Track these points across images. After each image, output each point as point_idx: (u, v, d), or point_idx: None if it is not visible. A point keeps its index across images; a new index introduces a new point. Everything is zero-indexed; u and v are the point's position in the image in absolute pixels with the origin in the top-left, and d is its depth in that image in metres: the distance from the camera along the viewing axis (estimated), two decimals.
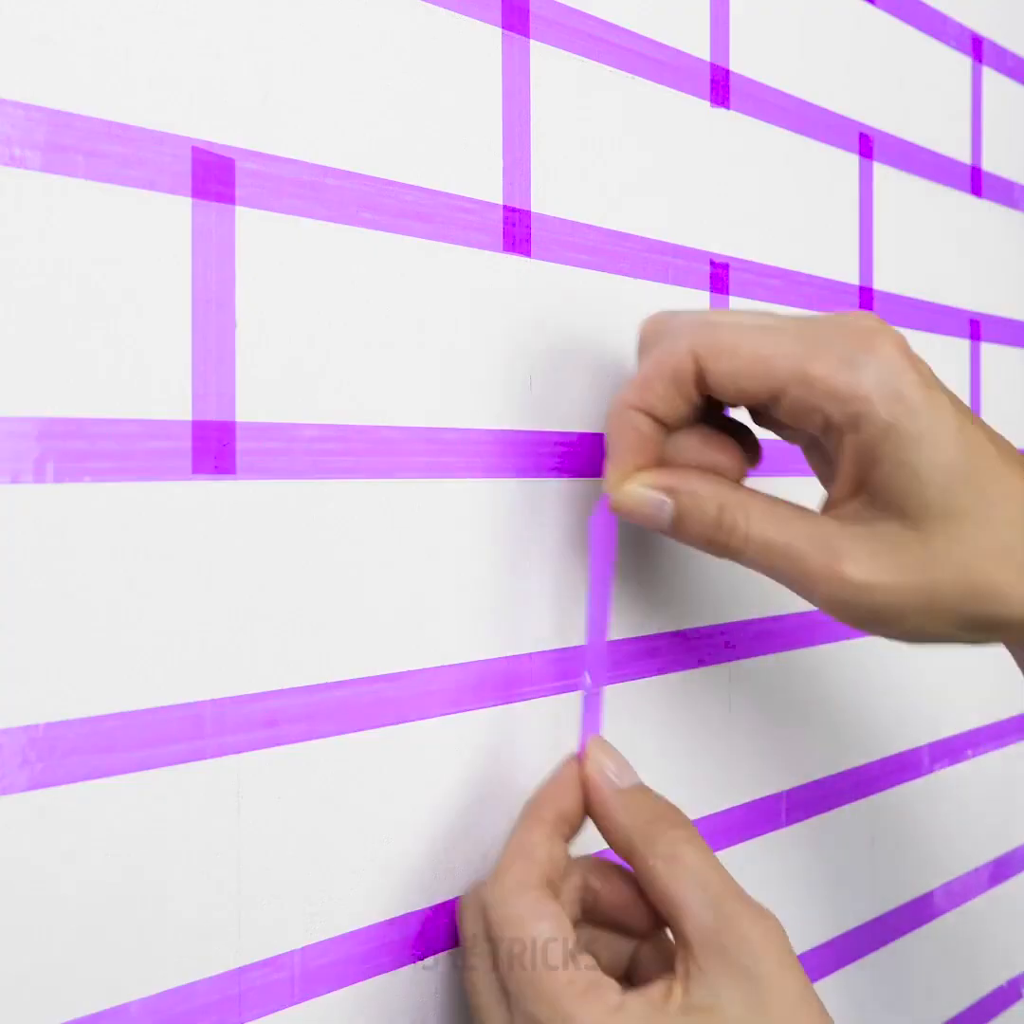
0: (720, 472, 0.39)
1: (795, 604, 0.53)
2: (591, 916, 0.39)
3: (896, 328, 0.38)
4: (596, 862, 0.39)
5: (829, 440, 0.38)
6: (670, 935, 0.37)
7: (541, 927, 0.34)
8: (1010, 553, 0.37)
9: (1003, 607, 0.37)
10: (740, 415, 0.41)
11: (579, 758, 0.39)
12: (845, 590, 0.37)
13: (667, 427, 0.39)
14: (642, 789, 0.38)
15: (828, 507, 0.39)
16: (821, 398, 0.36)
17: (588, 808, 0.38)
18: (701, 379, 0.37)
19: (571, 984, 0.33)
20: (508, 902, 0.35)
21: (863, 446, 0.37)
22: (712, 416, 0.40)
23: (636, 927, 0.38)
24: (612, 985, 0.34)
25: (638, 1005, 0.34)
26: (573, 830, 0.38)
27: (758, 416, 0.41)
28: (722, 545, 0.38)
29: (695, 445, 0.39)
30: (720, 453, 0.39)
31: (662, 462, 0.39)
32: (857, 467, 0.37)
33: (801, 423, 0.38)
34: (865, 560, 0.37)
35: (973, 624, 0.38)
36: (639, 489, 0.38)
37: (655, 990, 0.34)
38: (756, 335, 0.37)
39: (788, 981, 0.35)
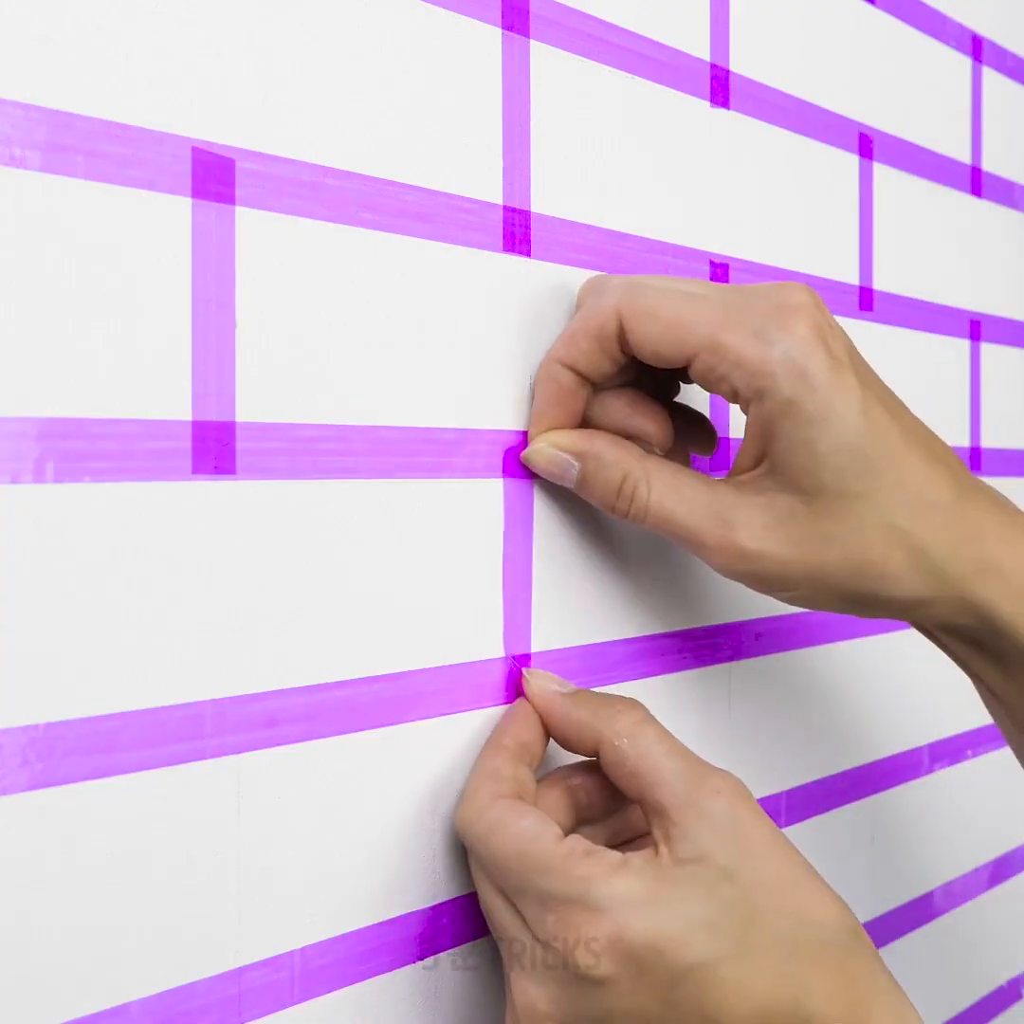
0: (643, 438, 0.40)
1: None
2: (585, 815, 0.39)
3: (819, 303, 0.38)
4: (569, 765, 0.40)
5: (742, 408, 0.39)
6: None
7: (524, 823, 0.35)
8: (901, 536, 0.38)
9: (891, 588, 0.39)
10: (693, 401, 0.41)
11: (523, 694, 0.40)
12: (737, 559, 0.38)
13: (592, 384, 0.40)
14: (586, 690, 0.40)
15: (733, 472, 0.40)
16: (729, 367, 0.37)
17: (546, 722, 0.39)
18: (623, 339, 0.38)
19: (573, 853, 0.34)
20: (484, 816, 0.36)
21: (765, 419, 0.38)
22: (648, 384, 0.41)
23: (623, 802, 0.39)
24: (608, 849, 0.35)
25: (639, 860, 0.35)
26: (535, 757, 0.39)
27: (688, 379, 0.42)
28: (622, 513, 0.40)
29: (621, 407, 0.40)
30: (646, 420, 0.40)
31: (584, 420, 0.40)
32: (759, 438, 0.38)
33: (712, 389, 0.39)
34: (758, 531, 0.38)
35: (860, 600, 0.40)
36: (549, 449, 0.40)
37: (646, 851, 0.35)
38: (678, 301, 0.38)
39: (761, 825, 0.36)
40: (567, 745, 0.39)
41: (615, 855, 0.35)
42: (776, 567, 0.38)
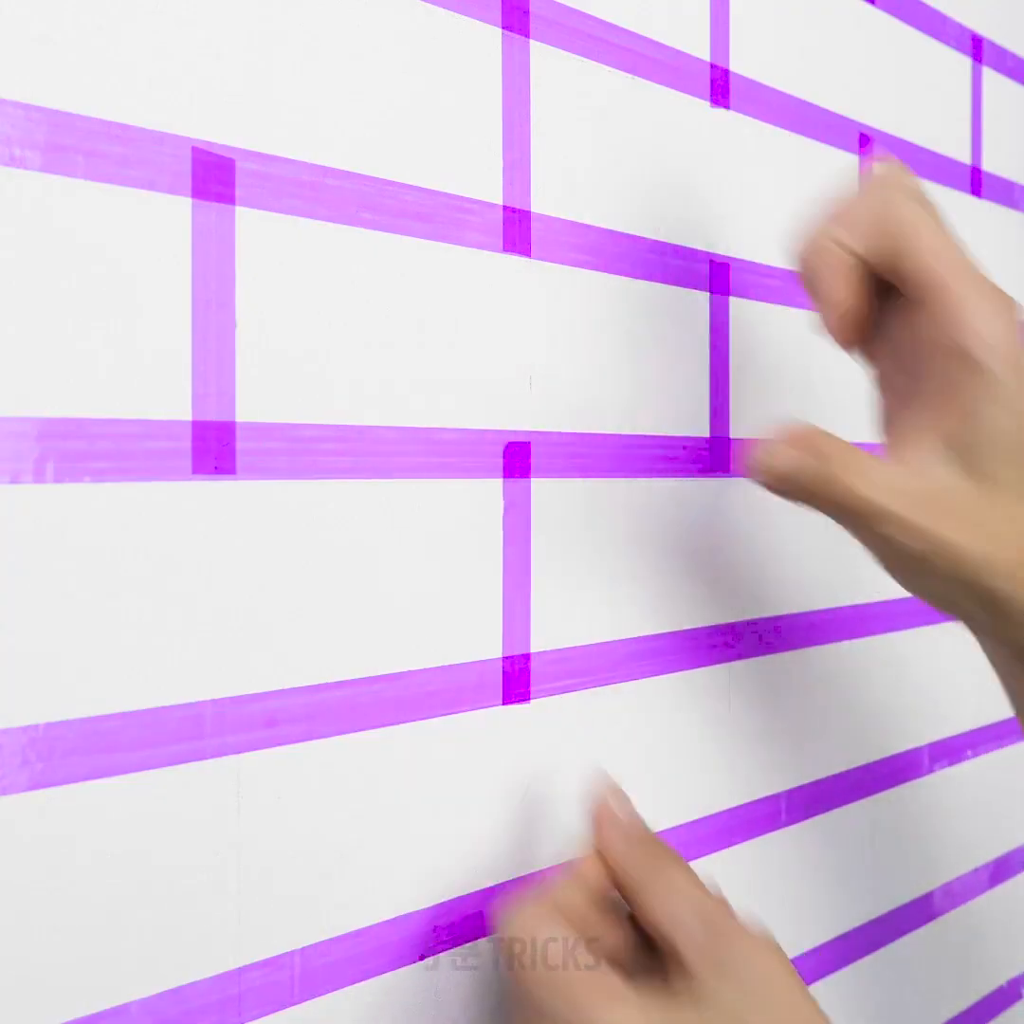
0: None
1: (794, 605, 0.53)
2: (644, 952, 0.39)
3: None
4: None
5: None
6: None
7: (541, 929, 0.36)
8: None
9: (993, 580, 0.37)
10: None
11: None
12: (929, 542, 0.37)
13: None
14: (640, 827, 0.40)
15: (892, 442, 0.39)
16: (955, 328, 0.37)
17: (595, 841, 0.39)
18: (885, 250, 0.38)
19: (581, 979, 0.35)
20: (515, 917, 0.37)
21: (962, 386, 0.37)
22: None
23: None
24: (617, 978, 0.35)
25: (640, 993, 0.35)
26: (602, 890, 0.39)
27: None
28: (821, 502, 0.38)
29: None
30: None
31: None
32: (943, 405, 0.38)
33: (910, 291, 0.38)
34: (942, 510, 0.37)
35: (984, 595, 0.38)
36: (783, 448, 0.38)
37: (655, 986, 0.36)
38: (933, 228, 0.38)
39: (785, 982, 0.35)
40: (608, 872, 0.39)
41: (619, 985, 0.35)
42: (942, 546, 0.37)
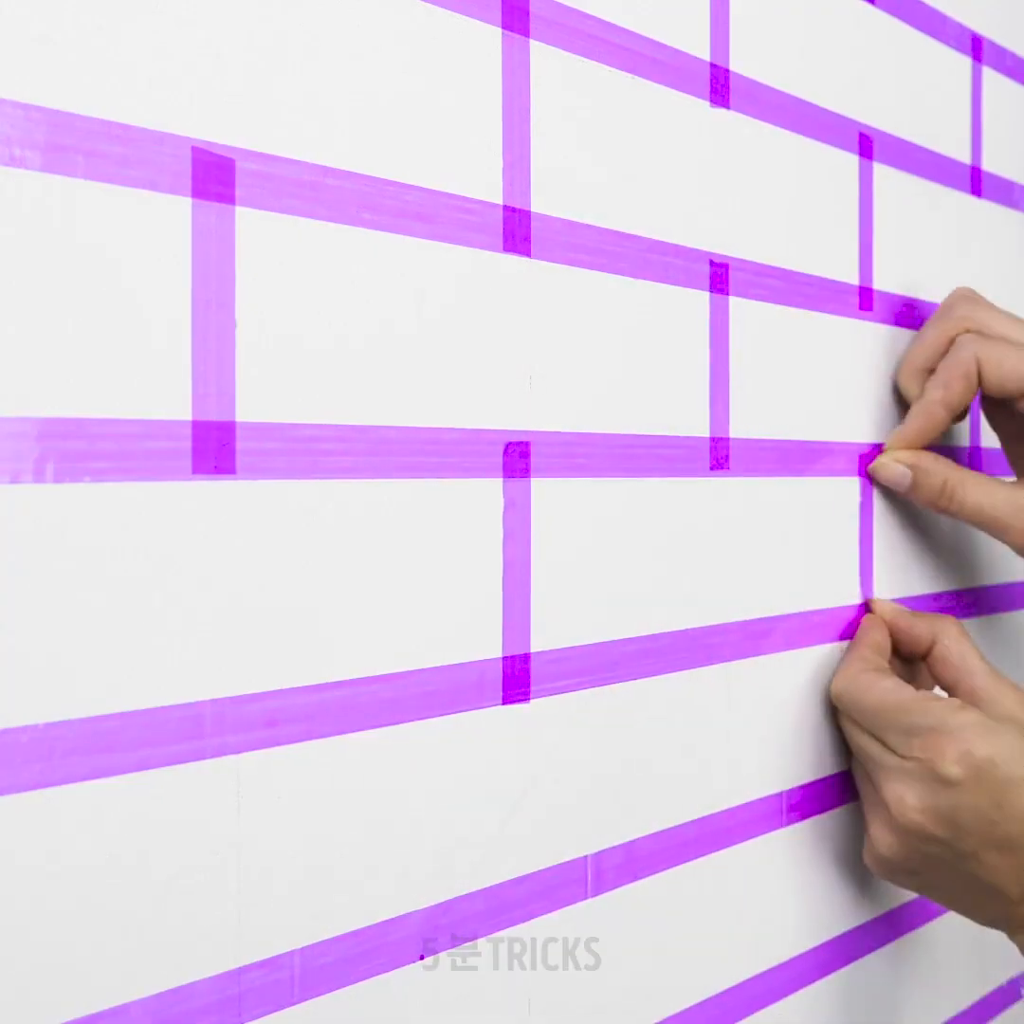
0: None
1: (794, 605, 0.53)
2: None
3: None
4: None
5: None
6: None
7: (886, 683, 0.50)
8: None
9: None
10: None
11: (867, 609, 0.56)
12: None
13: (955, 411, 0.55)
14: (919, 614, 0.55)
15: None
16: None
17: (892, 631, 0.55)
18: (981, 379, 0.53)
19: (926, 698, 0.49)
20: (856, 681, 0.52)
21: None
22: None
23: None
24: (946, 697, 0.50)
25: (970, 706, 0.49)
26: (886, 652, 0.54)
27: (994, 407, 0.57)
28: (944, 509, 0.54)
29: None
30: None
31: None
32: None
33: None
34: None
35: None
36: (891, 463, 0.55)
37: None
38: (1018, 353, 0.53)
39: None
40: (904, 648, 0.54)
41: (954, 700, 0.49)
42: None
